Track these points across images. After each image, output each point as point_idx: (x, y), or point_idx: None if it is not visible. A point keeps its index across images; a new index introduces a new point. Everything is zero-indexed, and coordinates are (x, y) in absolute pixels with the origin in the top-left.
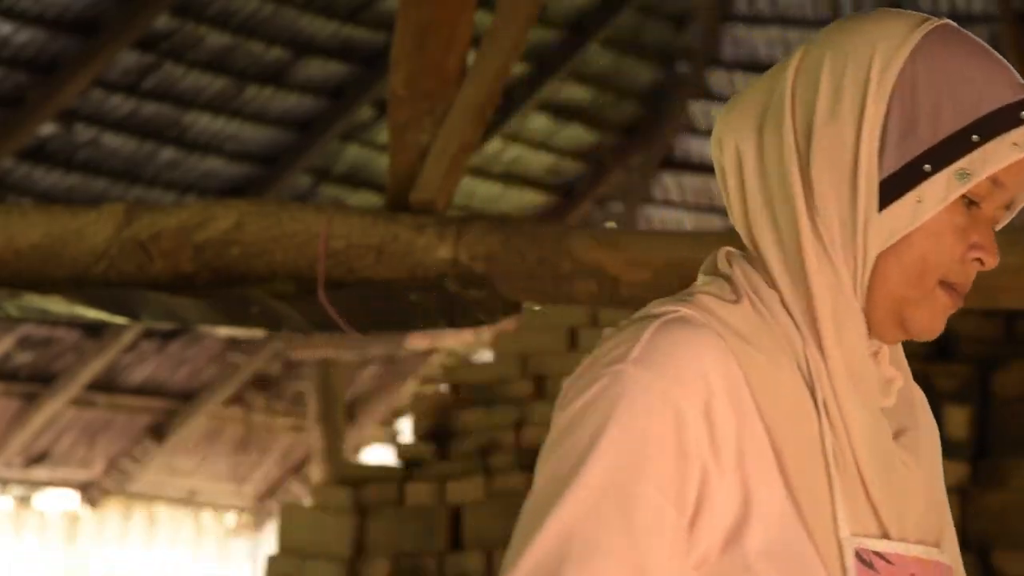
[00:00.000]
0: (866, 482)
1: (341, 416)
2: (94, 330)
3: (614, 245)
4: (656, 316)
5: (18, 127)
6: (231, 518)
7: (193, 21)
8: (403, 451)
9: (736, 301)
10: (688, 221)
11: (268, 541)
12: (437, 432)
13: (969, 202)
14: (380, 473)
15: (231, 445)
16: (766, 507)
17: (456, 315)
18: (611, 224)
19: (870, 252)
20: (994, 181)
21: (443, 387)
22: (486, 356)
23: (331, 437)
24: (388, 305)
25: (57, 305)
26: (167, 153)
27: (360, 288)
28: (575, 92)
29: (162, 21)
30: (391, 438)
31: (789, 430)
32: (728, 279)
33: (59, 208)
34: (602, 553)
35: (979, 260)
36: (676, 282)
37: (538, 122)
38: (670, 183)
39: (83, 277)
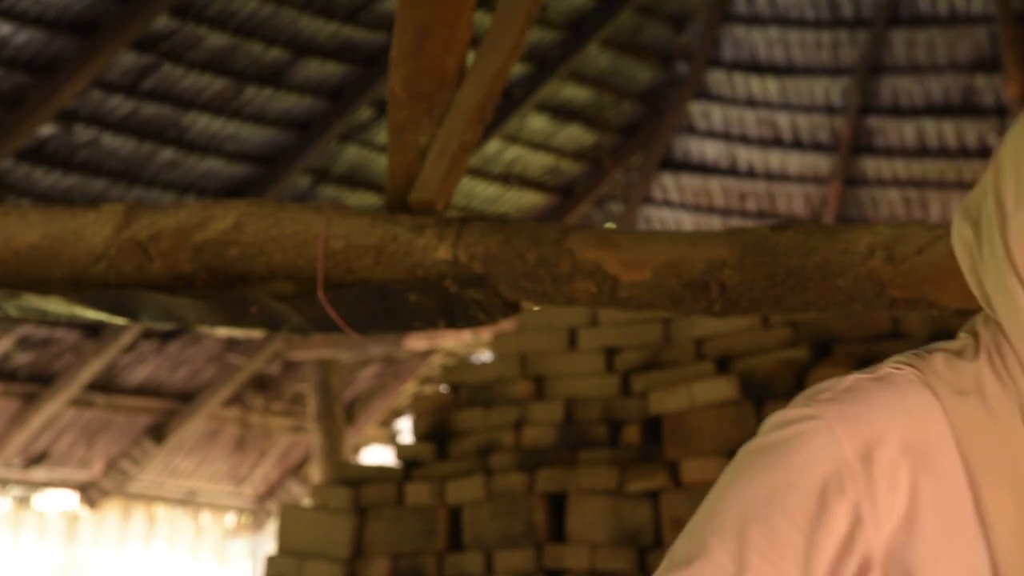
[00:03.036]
0: None
1: (340, 416)
2: (93, 330)
3: (614, 245)
4: (874, 371)
5: (17, 127)
6: (230, 519)
7: (192, 22)
8: (403, 451)
9: (974, 359)
10: (687, 221)
11: (267, 541)
12: (437, 432)
13: None
14: (379, 473)
15: (230, 446)
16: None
17: (455, 315)
18: (611, 224)
19: None
20: None
21: (443, 387)
22: (486, 356)
23: (330, 437)
24: (387, 305)
25: (56, 305)
26: (166, 153)
27: (359, 288)
28: (575, 92)
29: (161, 22)
30: (390, 438)
31: (1005, 491)
32: (976, 336)
33: (58, 208)
34: (705, 555)
35: None
36: (675, 282)
37: (537, 122)
38: (669, 183)
39: (82, 277)
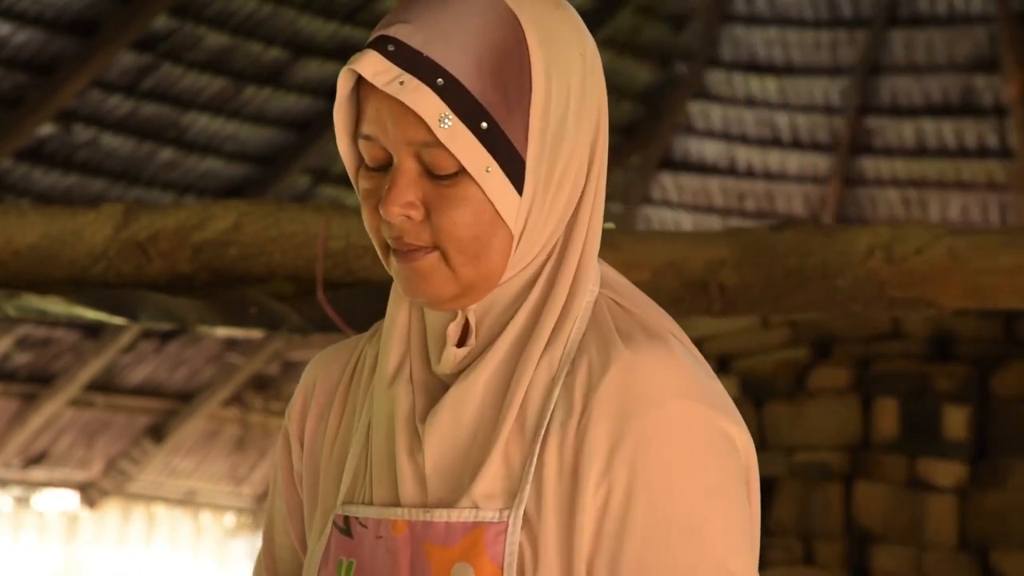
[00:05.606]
0: (370, 455)
1: None
2: (93, 331)
3: (613, 245)
4: None
5: (17, 127)
6: (230, 519)
7: (192, 21)
8: None
9: None
10: (687, 221)
11: None
12: None
13: (367, 167)
14: None
15: (230, 445)
16: (306, 490)
17: None
18: (610, 224)
19: None
20: (362, 136)
21: None
22: None
23: None
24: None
25: (55, 305)
26: (166, 153)
27: (359, 288)
28: None
29: (161, 21)
30: None
31: (337, 412)
32: None
33: (57, 208)
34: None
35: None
36: (675, 282)
37: None
38: (668, 183)
39: (81, 277)
